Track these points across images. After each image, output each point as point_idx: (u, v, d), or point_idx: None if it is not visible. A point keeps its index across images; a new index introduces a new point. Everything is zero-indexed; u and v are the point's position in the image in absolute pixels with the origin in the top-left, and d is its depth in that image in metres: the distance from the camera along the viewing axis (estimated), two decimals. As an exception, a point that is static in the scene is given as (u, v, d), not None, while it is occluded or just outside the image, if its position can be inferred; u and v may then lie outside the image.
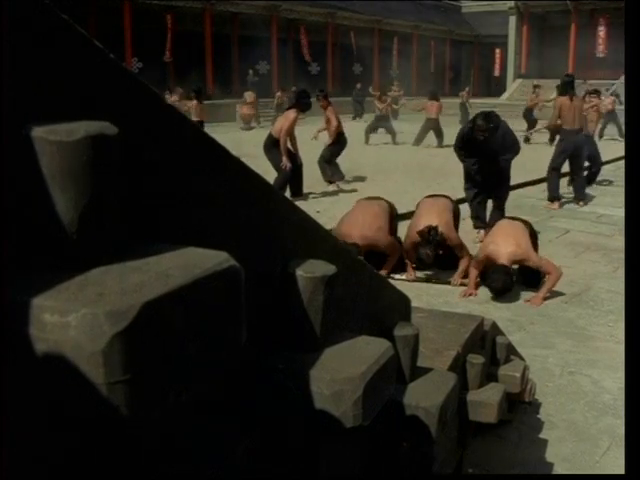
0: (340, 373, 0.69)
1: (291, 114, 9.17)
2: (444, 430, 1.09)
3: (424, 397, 1.05)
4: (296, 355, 0.73)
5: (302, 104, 9.42)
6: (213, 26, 27.40)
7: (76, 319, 0.50)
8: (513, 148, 6.95)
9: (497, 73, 37.08)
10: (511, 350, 2.48)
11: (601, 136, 16.85)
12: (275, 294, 0.76)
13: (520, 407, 3.30)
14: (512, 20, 35.48)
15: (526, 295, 5.17)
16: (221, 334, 0.58)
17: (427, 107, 16.32)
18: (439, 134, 16.06)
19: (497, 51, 37.02)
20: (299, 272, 0.73)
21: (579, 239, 7.16)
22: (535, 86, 19.73)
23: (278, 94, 23.16)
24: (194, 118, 13.11)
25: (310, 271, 0.74)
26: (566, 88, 8.97)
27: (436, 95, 16.67)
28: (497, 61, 37.17)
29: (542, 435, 3.22)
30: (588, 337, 4.41)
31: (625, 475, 1.60)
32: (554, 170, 9.01)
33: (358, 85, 26.21)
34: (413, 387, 1.06)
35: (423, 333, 1.91)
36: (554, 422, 3.31)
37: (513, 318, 4.70)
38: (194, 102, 13.63)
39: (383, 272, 5.32)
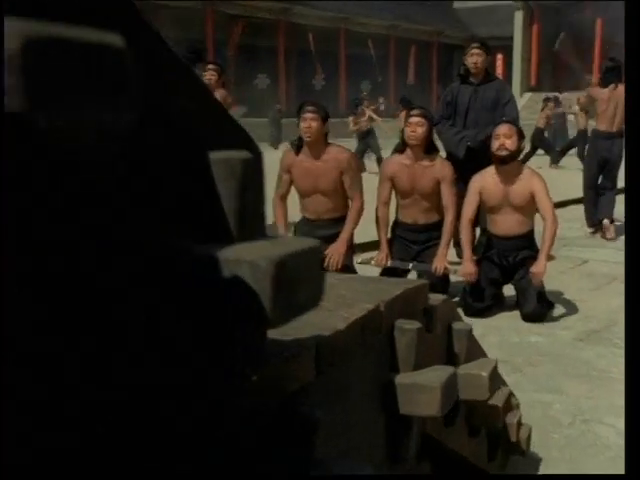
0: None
1: None
2: (281, 293, 0.90)
3: (253, 253, 0.88)
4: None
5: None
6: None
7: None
8: (511, 111, 6.96)
9: (500, 85, 37.75)
10: (478, 348, 2.28)
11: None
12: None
13: (510, 459, 3.10)
14: (518, 17, 35.86)
15: (521, 327, 5.03)
16: None
17: (401, 116, 16.47)
18: None
19: (499, 57, 37.84)
20: (212, 156, 0.87)
21: (601, 269, 7.17)
22: (546, 99, 20.01)
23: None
24: None
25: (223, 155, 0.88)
26: (608, 77, 8.59)
27: (409, 102, 16.93)
28: (499, 70, 37.95)
29: (542, 500, 3.02)
30: (611, 380, 4.26)
31: (625, 475, 1.85)
32: (590, 189, 8.96)
33: (278, 105, 27.13)
34: (243, 246, 0.92)
35: (333, 291, 1.72)
36: (560, 481, 3.12)
37: (507, 359, 4.55)
38: None
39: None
